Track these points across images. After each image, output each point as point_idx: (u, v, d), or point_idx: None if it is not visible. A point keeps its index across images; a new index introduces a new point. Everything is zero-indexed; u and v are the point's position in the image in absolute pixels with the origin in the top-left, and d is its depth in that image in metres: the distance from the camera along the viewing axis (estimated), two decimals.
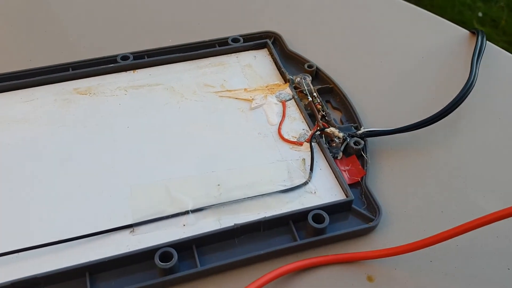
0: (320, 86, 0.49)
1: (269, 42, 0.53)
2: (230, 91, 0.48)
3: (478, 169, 0.43)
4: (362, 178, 0.41)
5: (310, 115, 0.46)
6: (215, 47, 0.53)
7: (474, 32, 0.57)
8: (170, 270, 0.34)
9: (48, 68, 0.50)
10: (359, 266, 0.36)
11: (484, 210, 0.40)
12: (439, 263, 0.36)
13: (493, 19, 1.36)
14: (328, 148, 0.42)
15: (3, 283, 0.33)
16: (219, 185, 0.40)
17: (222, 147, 0.43)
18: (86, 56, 0.51)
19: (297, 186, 0.40)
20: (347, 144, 0.42)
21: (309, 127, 0.45)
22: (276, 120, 0.46)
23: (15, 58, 0.53)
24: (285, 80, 0.49)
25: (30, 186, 0.40)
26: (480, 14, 1.36)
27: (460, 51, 0.55)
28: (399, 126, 0.44)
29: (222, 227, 0.37)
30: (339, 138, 0.42)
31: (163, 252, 0.35)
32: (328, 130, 0.43)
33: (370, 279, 0.36)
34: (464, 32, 0.58)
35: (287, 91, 0.48)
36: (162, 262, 0.34)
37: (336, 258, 0.36)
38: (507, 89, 0.51)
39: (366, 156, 0.42)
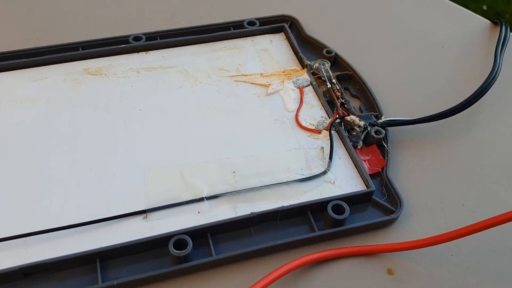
0: (339, 73, 0.47)
1: (286, 26, 0.52)
2: (245, 75, 0.47)
3: (501, 162, 0.42)
4: (383, 168, 0.39)
5: (329, 102, 0.44)
6: (230, 30, 0.52)
7: (496, 22, 0.55)
8: (185, 258, 0.33)
9: (57, 47, 0.48)
10: (379, 259, 0.35)
11: (506, 204, 0.39)
12: (460, 257, 0.35)
13: (498, 13, 1.34)
14: (348, 137, 0.41)
15: (11, 267, 0.32)
16: (234, 172, 0.39)
17: (238, 133, 0.42)
18: (96, 36, 0.50)
19: (316, 175, 0.39)
20: (368, 133, 0.41)
21: (327, 115, 0.43)
22: (293, 106, 0.44)
23: (23, 36, 0.51)
24: (303, 66, 0.48)
25: (39, 169, 0.38)
26: (484, 8, 1.34)
27: (481, 41, 0.54)
28: (419, 117, 0.43)
29: (238, 215, 0.36)
30: (359, 126, 0.41)
31: (177, 239, 0.33)
32: (348, 118, 0.41)
33: (390, 272, 0.35)
34: (485, 22, 0.56)
35: (305, 77, 0.47)
36: (176, 249, 0.33)
37: (356, 250, 0.35)
38: None
39: (387, 146, 0.41)
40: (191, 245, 0.33)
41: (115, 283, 0.32)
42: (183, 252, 0.33)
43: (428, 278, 0.34)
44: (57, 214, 0.35)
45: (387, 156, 0.40)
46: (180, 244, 0.33)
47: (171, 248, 0.33)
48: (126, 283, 0.32)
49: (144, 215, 0.36)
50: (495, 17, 0.56)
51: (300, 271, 0.34)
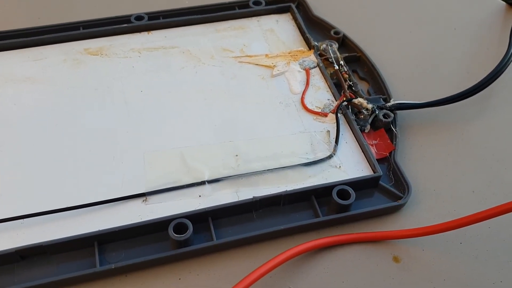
0: (346, 55, 0.46)
1: (293, 6, 0.50)
2: (250, 56, 0.46)
3: None
4: (390, 153, 0.38)
5: (336, 85, 0.43)
6: (235, 9, 0.50)
7: None
8: (185, 243, 0.32)
9: (58, 27, 0.47)
10: (385, 246, 0.34)
11: None
12: (469, 245, 0.34)
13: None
14: (355, 120, 0.40)
15: (7, 249, 0.31)
16: (237, 155, 0.38)
17: (241, 116, 0.41)
18: (97, 15, 0.49)
19: (321, 159, 0.37)
20: (376, 116, 0.40)
21: (334, 97, 0.42)
22: (299, 88, 0.43)
23: (23, 15, 0.51)
24: (310, 47, 0.46)
25: (37, 150, 0.38)
26: None
27: (496, 24, 0.52)
28: (429, 100, 0.42)
29: (240, 199, 0.35)
30: (367, 109, 0.40)
31: (177, 223, 0.32)
32: (355, 100, 0.40)
33: (396, 259, 0.34)
34: (500, 3, 0.54)
35: (312, 58, 0.45)
36: (176, 233, 0.32)
37: (362, 236, 0.34)
38: None
39: (396, 130, 0.39)
40: (192, 229, 0.32)
41: (113, 267, 0.31)
42: (183, 236, 0.32)
43: (436, 266, 0.33)
44: (55, 196, 0.35)
45: (395, 141, 0.39)
46: (180, 228, 0.32)
47: (171, 232, 0.32)
48: (125, 267, 0.31)
49: (144, 198, 0.35)
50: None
51: (303, 257, 0.33)
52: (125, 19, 0.48)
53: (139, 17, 0.48)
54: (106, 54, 0.45)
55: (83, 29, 0.47)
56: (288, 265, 0.33)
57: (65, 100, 0.41)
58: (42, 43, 0.46)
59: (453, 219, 0.32)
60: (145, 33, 0.47)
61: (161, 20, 0.48)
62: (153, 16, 0.49)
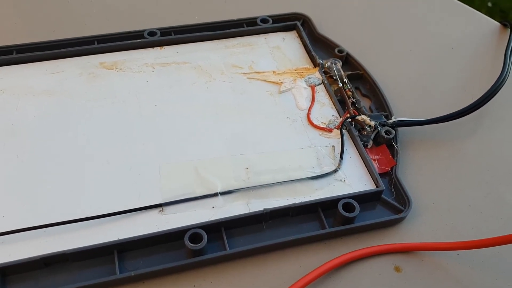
0: (350, 72, 0.48)
1: (299, 24, 0.52)
2: (258, 73, 0.47)
3: (508, 164, 0.42)
4: (392, 168, 0.40)
5: (340, 101, 0.45)
6: (243, 27, 0.52)
7: (505, 24, 0.55)
8: (199, 252, 0.34)
9: (73, 40, 0.49)
10: (386, 256, 0.36)
11: None
12: (467, 255, 0.36)
13: (502, 10, 1.34)
14: (359, 136, 0.42)
15: (32, 257, 0.33)
16: (247, 168, 0.40)
17: (250, 130, 0.42)
18: (111, 30, 0.50)
19: (327, 173, 0.39)
20: (378, 133, 0.42)
21: (338, 114, 0.44)
22: (305, 104, 0.45)
23: (38, 28, 0.52)
24: (315, 64, 0.48)
25: (57, 161, 0.39)
26: (489, 4, 1.34)
27: (490, 43, 0.54)
28: (428, 117, 0.44)
29: (251, 211, 0.36)
30: (370, 126, 0.42)
31: (193, 233, 0.34)
32: (359, 118, 0.42)
33: (397, 269, 0.35)
34: (495, 24, 0.57)
35: (317, 75, 0.47)
36: (192, 243, 0.34)
37: (399, 247, 0.36)
38: None
39: (397, 146, 0.42)
40: (206, 239, 0.34)
41: (132, 274, 0.33)
42: (198, 246, 0.34)
43: (435, 275, 0.35)
44: (75, 206, 0.36)
45: (397, 156, 0.41)
46: (195, 238, 0.34)
47: (186, 241, 0.34)
48: (143, 275, 0.33)
49: (160, 208, 0.37)
50: (505, 19, 0.56)
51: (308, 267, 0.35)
52: (139, 34, 0.50)
53: (152, 33, 0.50)
54: (121, 69, 0.47)
55: (98, 43, 0.49)
56: (293, 274, 0.34)
57: (83, 113, 0.43)
58: (59, 57, 0.47)
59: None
60: (158, 48, 0.49)
61: (173, 36, 0.50)
62: (165, 31, 0.50)
